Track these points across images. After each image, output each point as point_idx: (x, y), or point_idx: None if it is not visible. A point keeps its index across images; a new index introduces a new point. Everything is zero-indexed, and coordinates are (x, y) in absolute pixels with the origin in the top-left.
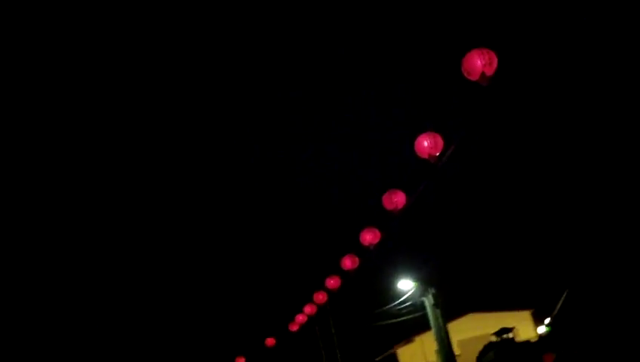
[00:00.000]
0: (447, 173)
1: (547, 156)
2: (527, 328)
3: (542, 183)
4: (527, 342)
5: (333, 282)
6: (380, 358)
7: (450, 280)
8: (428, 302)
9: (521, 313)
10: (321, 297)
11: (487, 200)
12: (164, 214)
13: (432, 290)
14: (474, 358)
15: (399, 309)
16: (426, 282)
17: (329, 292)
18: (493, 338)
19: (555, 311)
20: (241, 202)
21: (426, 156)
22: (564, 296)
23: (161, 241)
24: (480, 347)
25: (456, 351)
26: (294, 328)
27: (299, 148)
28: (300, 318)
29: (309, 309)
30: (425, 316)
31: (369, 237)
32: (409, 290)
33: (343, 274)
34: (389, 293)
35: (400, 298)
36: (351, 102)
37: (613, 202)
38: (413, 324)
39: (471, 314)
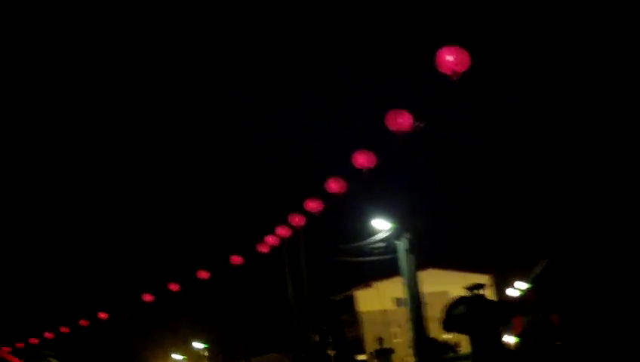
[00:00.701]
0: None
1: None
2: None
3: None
4: (502, 301)
5: (313, 205)
6: (339, 297)
7: (427, 229)
8: (402, 245)
9: (482, 276)
10: (297, 220)
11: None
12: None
13: (408, 235)
14: (436, 312)
15: (370, 248)
16: (403, 224)
17: (308, 215)
18: (462, 293)
19: (535, 275)
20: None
21: (449, 72)
22: (547, 260)
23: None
24: (442, 303)
25: None
26: (264, 249)
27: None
28: (271, 240)
29: (282, 231)
30: (392, 261)
31: (363, 159)
32: (384, 231)
33: (326, 198)
34: (364, 230)
35: (373, 236)
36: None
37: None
38: (374, 268)
39: (432, 270)
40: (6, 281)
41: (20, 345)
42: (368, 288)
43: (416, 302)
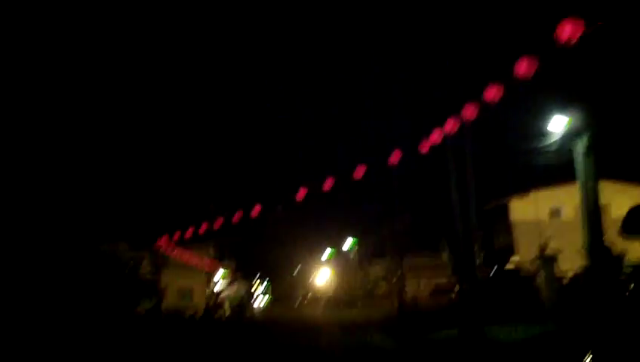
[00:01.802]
0: None
1: None
2: None
3: None
4: None
5: (492, 93)
6: (491, 205)
7: (611, 129)
8: (580, 147)
9: None
10: (469, 112)
11: None
12: None
13: (588, 135)
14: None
15: (542, 150)
16: (583, 122)
17: (484, 105)
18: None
19: None
20: None
21: None
22: None
23: None
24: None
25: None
26: (425, 149)
27: None
28: (435, 137)
29: (450, 126)
30: (557, 167)
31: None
32: (558, 130)
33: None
34: (535, 131)
35: (547, 138)
36: None
37: None
38: (540, 172)
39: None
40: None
41: (176, 235)
42: (524, 197)
43: (593, 211)
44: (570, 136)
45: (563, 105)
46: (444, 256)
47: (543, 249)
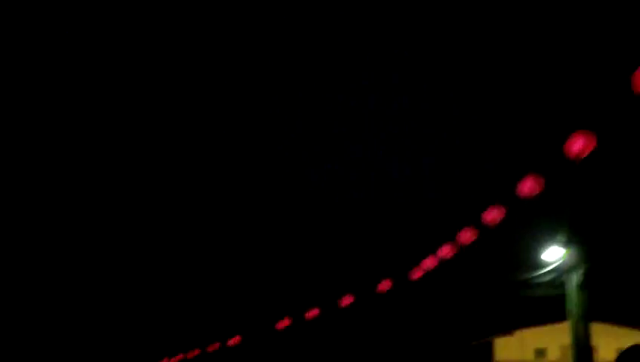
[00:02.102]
0: None
1: None
2: None
3: None
4: None
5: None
6: (476, 343)
7: (607, 267)
8: (574, 280)
9: None
10: (468, 236)
11: None
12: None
13: (583, 268)
14: None
15: (534, 282)
16: (580, 254)
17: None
18: (613, 353)
19: None
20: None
21: None
22: None
23: None
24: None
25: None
26: (417, 275)
27: None
28: (428, 263)
29: (445, 251)
30: (542, 304)
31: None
32: (553, 262)
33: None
34: (525, 264)
35: (538, 270)
36: None
37: None
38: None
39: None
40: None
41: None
42: (509, 335)
43: (584, 350)
44: (565, 269)
45: (560, 237)
46: None
47: None
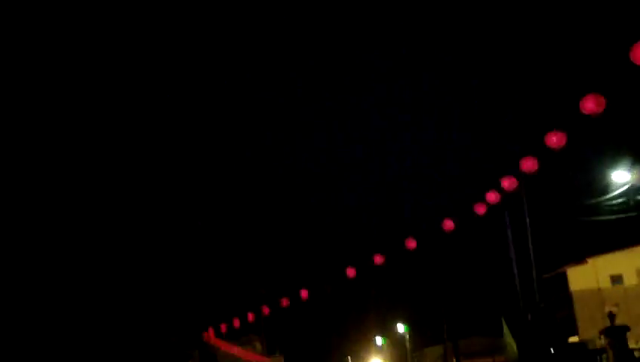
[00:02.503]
0: None
1: None
2: None
3: None
4: None
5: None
6: (549, 275)
7: None
8: None
9: None
10: (530, 164)
11: None
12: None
13: None
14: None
15: (608, 205)
16: None
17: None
18: None
19: None
20: None
21: None
22: None
23: None
24: None
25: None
26: (481, 210)
27: None
28: (492, 197)
29: (508, 182)
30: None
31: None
32: (625, 183)
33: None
34: (594, 187)
35: (609, 192)
36: None
37: None
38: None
39: None
40: (208, 264)
41: (223, 327)
42: (582, 264)
43: None
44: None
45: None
46: (505, 336)
47: (612, 319)
